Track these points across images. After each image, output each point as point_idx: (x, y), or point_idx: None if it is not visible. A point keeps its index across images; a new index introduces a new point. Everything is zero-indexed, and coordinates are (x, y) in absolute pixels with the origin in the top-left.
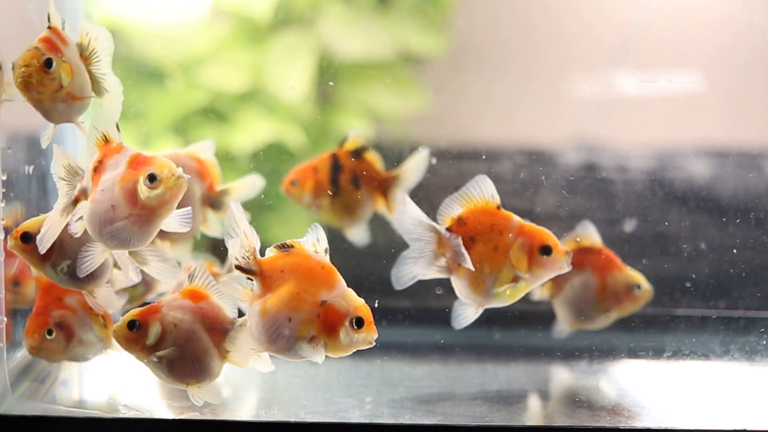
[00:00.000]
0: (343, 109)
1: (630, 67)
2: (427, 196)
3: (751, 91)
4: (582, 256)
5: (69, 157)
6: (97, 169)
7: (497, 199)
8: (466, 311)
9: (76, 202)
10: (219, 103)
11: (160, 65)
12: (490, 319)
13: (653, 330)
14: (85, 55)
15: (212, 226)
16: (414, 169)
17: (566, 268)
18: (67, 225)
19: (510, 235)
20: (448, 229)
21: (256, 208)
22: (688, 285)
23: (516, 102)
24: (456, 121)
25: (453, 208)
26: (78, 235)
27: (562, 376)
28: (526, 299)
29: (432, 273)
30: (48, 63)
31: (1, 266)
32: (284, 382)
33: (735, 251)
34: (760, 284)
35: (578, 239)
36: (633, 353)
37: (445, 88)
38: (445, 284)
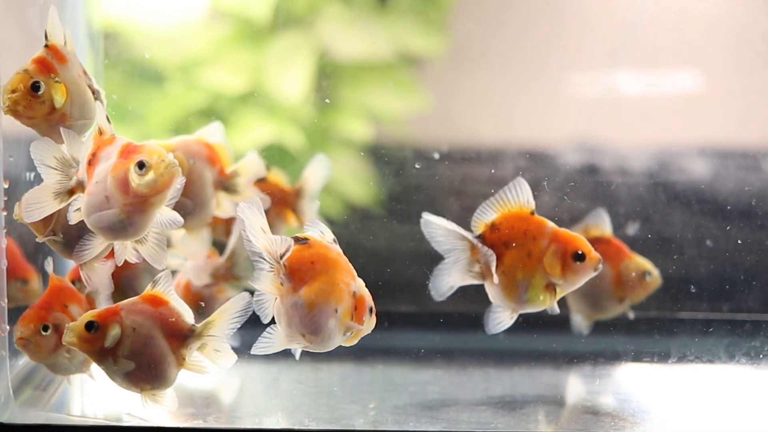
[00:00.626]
0: (343, 110)
1: (630, 67)
2: (428, 198)
3: (752, 91)
4: (594, 247)
5: (59, 149)
6: (91, 162)
7: (532, 204)
8: (501, 316)
9: (71, 192)
10: (218, 104)
11: (160, 67)
12: None
13: (658, 334)
14: (91, 87)
15: (226, 208)
16: (315, 176)
17: (595, 273)
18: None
19: (544, 241)
20: (481, 236)
21: None
22: (693, 289)
23: (516, 103)
24: (456, 122)
25: (488, 214)
26: (73, 223)
27: (566, 381)
28: None
29: (468, 280)
30: (35, 87)
31: (2, 274)
32: (287, 388)
33: (738, 253)
34: (765, 287)
35: (587, 229)
36: (637, 357)
37: (445, 88)
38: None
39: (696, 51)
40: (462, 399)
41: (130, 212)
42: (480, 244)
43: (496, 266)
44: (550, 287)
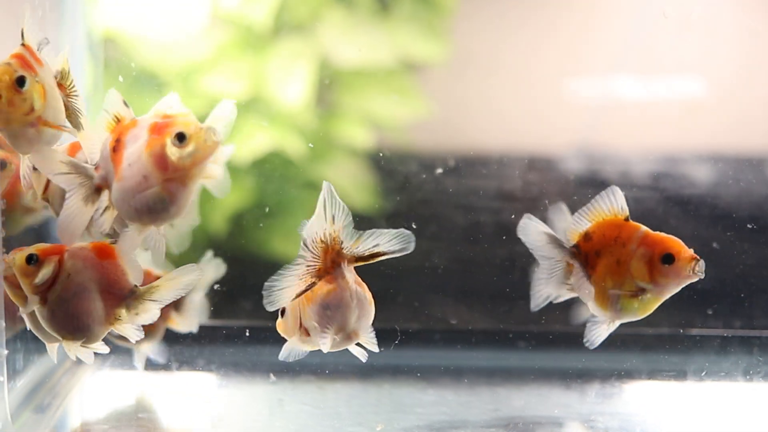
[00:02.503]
0: (344, 117)
1: (633, 73)
2: (430, 204)
3: (754, 96)
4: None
5: (61, 153)
6: (116, 148)
7: (626, 211)
8: (598, 329)
9: (98, 190)
10: None
11: (160, 74)
12: (500, 340)
13: (668, 351)
14: (64, 84)
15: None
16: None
17: (697, 276)
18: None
19: (632, 246)
20: (576, 246)
21: (254, 219)
22: (697, 300)
23: (518, 109)
24: (457, 129)
25: (582, 223)
26: (105, 230)
27: (576, 399)
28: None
29: (563, 292)
30: (21, 81)
31: (0, 300)
32: (292, 410)
33: (745, 264)
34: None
35: None
36: (649, 375)
37: (447, 95)
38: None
39: (699, 57)
40: (471, 420)
41: (172, 189)
42: (570, 255)
43: (589, 276)
44: (642, 294)
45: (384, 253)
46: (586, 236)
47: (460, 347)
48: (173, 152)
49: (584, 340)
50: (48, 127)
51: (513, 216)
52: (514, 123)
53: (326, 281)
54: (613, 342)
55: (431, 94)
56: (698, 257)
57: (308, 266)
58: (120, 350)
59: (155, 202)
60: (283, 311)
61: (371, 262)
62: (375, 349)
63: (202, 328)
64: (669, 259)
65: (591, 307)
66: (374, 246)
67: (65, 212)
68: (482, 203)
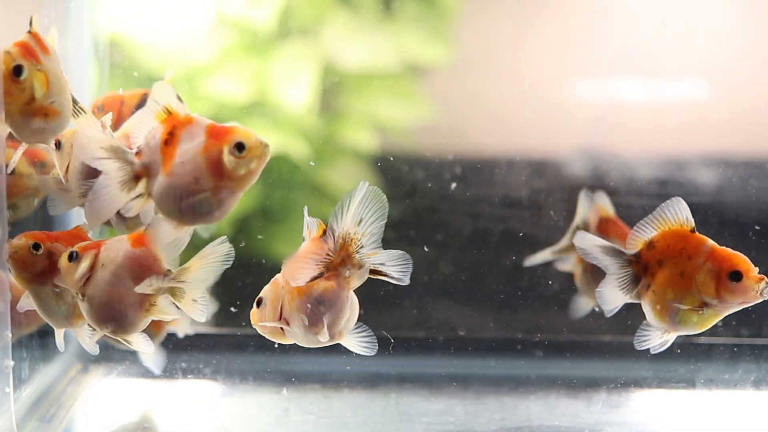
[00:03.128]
0: (348, 120)
1: (637, 76)
2: (435, 207)
3: (759, 99)
4: (607, 227)
5: (103, 137)
6: (169, 141)
7: (692, 222)
8: (649, 335)
9: (137, 178)
10: (223, 114)
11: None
12: (507, 348)
13: (677, 360)
14: None
15: None
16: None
17: (761, 297)
18: None
19: (699, 260)
20: (638, 254)
21: (260, 219)
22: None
23: (521, 112)
24: (461, 131)
25: (646, 231)
26: (131, 215)
27: (583, 408)
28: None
29: (627, 298)
30: (17, 70)
31: (7, 309)
32: (298, 418)
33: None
34: None
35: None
36: (657, 384)
37: (451, 98)
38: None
39: (704, 60)
40: (478, 430)
41: (221, 196)
42: (625, 263)
43: (649, 285)
44: (704, 308)
45: (384, 275)
46: (650, 245)
47: (466, 355)
48: (230, 160)
49: (635, 342)
50: (53, 116)
51: (518, 222)
52: (518, 126)
53: (326, 278)
54: (621, 351)
55: (436, 98)
56: (766, 277)
57: (326, 255)
58: (126, 359)
59: (203, 206)
60: (260, 301)
61: (369, 276)
62: (362, 352)
63: (207, 336)
64: (737, 276)
65: (648, 316)
66: (380, 264)
67: (97, 195)
68: (487, 208)
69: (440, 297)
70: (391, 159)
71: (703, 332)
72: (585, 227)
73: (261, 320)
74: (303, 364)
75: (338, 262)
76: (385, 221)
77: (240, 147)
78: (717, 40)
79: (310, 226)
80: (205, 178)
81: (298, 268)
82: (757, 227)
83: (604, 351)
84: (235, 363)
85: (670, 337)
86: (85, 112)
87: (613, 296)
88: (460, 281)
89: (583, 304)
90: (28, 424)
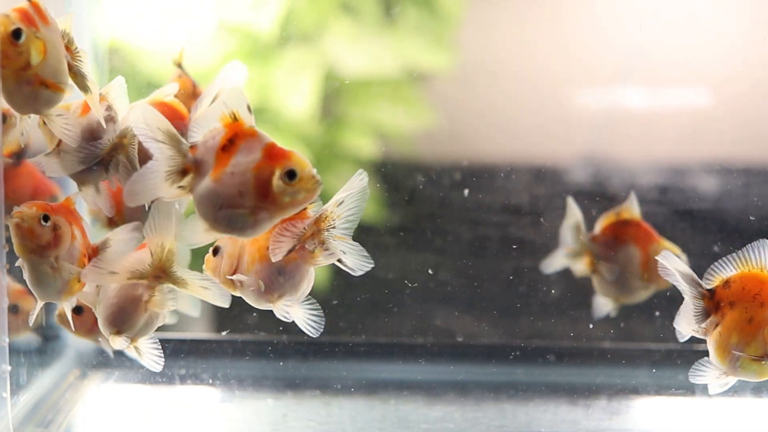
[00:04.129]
0: (349, 126)
1: (640, 83)
2: (436, 213)
3: (762, 107)
4: (623, 229)
5: (165, 120)
6: (227, 148)
7: None
8: (707, 372)
9: (185, 172)
10: None
11: (164, 83)
12: (506, 355)
13: (676, 367)
14: (69, 47)
15: None
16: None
17: None
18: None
19: None
20: (712, 290)
21: None
22: None
23: (523, 119)
24: (463, 138)
25: (727, 269)
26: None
27: (582, 416)
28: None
29: (697, 331)
30: (16, 33)
31: (4, 313)
32: (297, 425)
33: None
34: None
35: (619, 212)
36: (656, 391)
37: (452, 105)
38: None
39: (707, 67)
40: None
41: (259, 217)
42: (699, 295)
43: (717, 324)
44: (767, 359)
45: (342, 263)
46: (726, 283)
47: (466, 362)
48: (278, 185)
49: (689, 373)
50: (46, 86)
51: (519, 227)
52: (520, 133)
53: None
54: (620, 357)
55: (437, 104)
56: None
57: (303, 229)
58: (123, 365)
59: (238, 221)
60: (216, 250)
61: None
62: (306, 330)
63: (205, 341)
64: None
65: (710, 355)
66: (342, 251)
67: (142, 178)
68: (488, 214)
69: (440, 303)
70: (392, 165)
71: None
72: (579, 230)
73: (215, 269)
74: (302, 370)
75: (308, 234)
76: (361, 216)
77: (291, 175)
78: (719, 48)
79: None
80: (249, 195)
81: (278, 240)
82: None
83: (603, 358)
84: (233, 369)
85: (729, 380)
86: (92, 91)
87: (685, 324)
88: (460, 287)
89: (601, 306)
90: (25, 430)
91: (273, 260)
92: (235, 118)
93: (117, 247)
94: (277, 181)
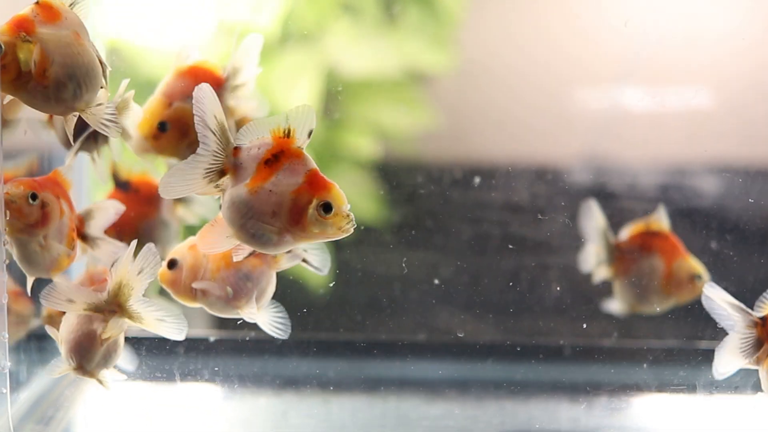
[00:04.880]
0: (350, 127)
1: (640, 83)
2: (437, 215)
3: (763, 107)
4: (650, 240)
5: (221, 110)
6: (270, 162)
7: None
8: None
9: (222, 173)
10: None
11: None
12: (507, 353)
13: (678, 364)
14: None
15: None
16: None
17: None
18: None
19: None
20: (764, 318)
21: None
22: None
23: (524, 119)
24: (464, 139)
25: None
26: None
27: (583, 413)
28: (542, 333)
29: (747, 362)
30: None
31: (3, 309)
32: (297, 423)
33: (756, 277)
34: None
35: (648, 223)
36: (657, 388)
37: (453, 105)
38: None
39: (708, 67)
40: None
41: (284, 238)
42: (750, 324)
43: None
44: None
45: (307, 263)
46: None
47: (466, 360)
48: (312, 214)
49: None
50: (56, 87)
51: (520, 227)
52: (521, 133)
53: (256, 255)
54: (621, 355)
55: (438, 105)
56: None
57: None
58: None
59: (263, 237)
60: (173, 263)
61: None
62: (273, 333)
63: (205, 339)
64: None
65: (763, 384)
66: (304, 250)
67: (181, 170)
68: (489, 214)
69: (440, 301)
70: (393, 165)
71: (703, 336)
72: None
73: (174, 283)
74: (302, 367)
75: None
76: None
77: (327, 208)
78: (720, 48)
79: None
80: (281, 217)
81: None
82: (759, 236)
83: (604, 355)
84: (233, 366)
85: None
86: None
87: (730, 357)
88: (461, 285)
89: (617, 308)
90: (25, 427)
91: (234, 260)
92: (287, 135)
93: (98, 219)
94: (312, 210)
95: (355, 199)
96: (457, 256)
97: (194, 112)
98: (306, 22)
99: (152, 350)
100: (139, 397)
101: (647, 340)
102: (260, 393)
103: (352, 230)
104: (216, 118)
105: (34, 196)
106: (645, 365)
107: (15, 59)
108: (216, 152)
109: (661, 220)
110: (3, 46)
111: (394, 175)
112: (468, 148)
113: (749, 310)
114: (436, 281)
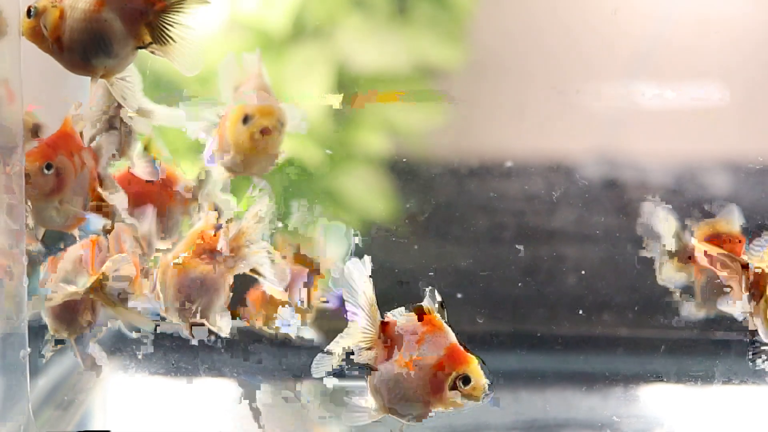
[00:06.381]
0: (361, 123)
1: (652, 79)
2: (449, 211)
3: None
4: (721, 244)
5: (371, 288)
6: (418, 340)
7: None
8: (764, 351)
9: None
10: None
11: (176, 79)
12: (522, 342)
13: (695, 354)
14: None
15: None
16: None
17: None
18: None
19: None
20: (747, 266)
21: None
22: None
23: (536, 114)
24: (475, 134)
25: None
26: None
27: (599, 402)
28: (557, 323)
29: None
30: (29, 12)
31: (24, 297)
32: (314, 416)
33: None
34: None
35: (715, 224)
36: (674, 378)
37: (464, 100)
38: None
39: (719, 62)
40: (493, 423)
41: (427, 407)
42: (738, 268)
43: (762, 296)
44: None
45: (260, 275)
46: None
47: (482, 350)
48: (451, 393)
49: (749, 359)
50: (67, 44)
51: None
52: (532, 129)
53: (207, 262)
54: (637, 344)
55: (449, 99)
56: None
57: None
58: (140, 349)
59: (408, 408)
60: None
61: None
62: (219, 332)
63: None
64: None
65: (759, 329)
66: (259, 264)
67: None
68: (502, 209)
69: (454, 291)
70: (405, 161)
71: (720, 326)
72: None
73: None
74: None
75: (228, 248)
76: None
77: (466, 381)
78: (733, 42)
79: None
80: (423, 388)
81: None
82: None
83: (620, 345)
84: (250, 361)
85: None
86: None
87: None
88: (475, 276)
89: (693, 310)
90: (44, 413)
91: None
92: (429, 312)
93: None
94: (452, 383)
95: (366, 195)
96: (472, 247)
97: (345, 289)
98: (317, 17)
99: (173, 344)
100: (156, 386)
101: (664, 330)
102: (276, 388)
103: (482, 399)
104: (366, 294)
105: (48, 166)
106: (662, 355)
107: (39, 23)
108: (366, 328)
109: (730, 221)
110: (33, 10)
111: (406, 171)
112: (479, 143)
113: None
114: (449, 271)
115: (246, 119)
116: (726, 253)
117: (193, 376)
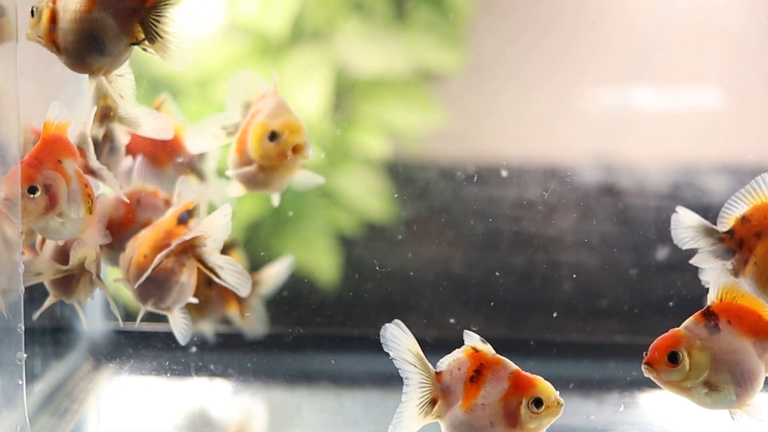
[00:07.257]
0: (360, 127)
1: (650, 83)
2: (447, 213)
3: None
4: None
5: (416, 343)
6: (474, 379)
7: None
8: None
9: (433, 402)
10: None
11: (175, 82)
12: (518, 348)
13: None
14: None
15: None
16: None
17: None
18: None
19: None
20: (731, 231)
21: (271, 228)
22: None
23: (534, 118)
24: (474, 138)
25: (737, 208)
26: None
27: (595, 408)
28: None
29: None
30: (32, 12)
31: (20, 300)
32: (310, 417)
33: None
34: None
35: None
36: None
37: (463, 104)
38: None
39: (718, 66)
40: None
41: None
42: (717, 240)
43: (747, 259)
44: None
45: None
46: (743, 219)
47: None
48: (526, 413)
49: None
50: (59, 46)
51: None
52: (531, 133)
53: (181, 258)
54: (633, 351)
55: (448, 104)
56: None
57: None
58: (137, 355)
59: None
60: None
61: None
62: (176, 334)
63: (219, 334)
64: None
65: (751, 291)
66: (219, 267)
67: (398, 414)
68: (500, 213)
69: (451, 297)
70: (403, 164)
71: None
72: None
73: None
74: (315, 362)
75: (179, 250)
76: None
77: (538, 403)
78: (732, 46)
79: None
80: (499, 425)
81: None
82: None
83: (616, 351)
84: (247, 360)
85: None
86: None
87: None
88: (472, 282)
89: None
90: (40, 419)
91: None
92: (476, 350)
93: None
94: (524, 410)
95: (365, 197)
96: (467, 254)
97: (388, 350)
98: (316, 21)
99: (166, 344)
100: (152, 391)
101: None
102: (273, 387)
103: (562, 411)
104: (411, 351)
105: (32, 189)
106: None
107: (38, 18)
108: (422, 383)
109: None
110: (34, 10)
111: (404, 174)
112: (478, 147)
113: (714, 227)
114: (446, 277)
115: (273, 136)
116: None
117: (186, 377)
